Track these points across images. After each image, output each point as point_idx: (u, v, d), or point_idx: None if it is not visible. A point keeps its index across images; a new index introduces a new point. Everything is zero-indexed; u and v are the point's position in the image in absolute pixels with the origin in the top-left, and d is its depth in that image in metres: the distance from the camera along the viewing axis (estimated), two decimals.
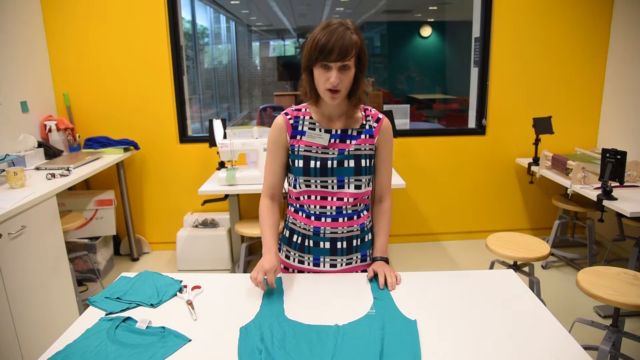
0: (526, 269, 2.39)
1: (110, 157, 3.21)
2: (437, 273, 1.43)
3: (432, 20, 6.87)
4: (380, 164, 1.46)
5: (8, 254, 2.00)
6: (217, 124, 3.09)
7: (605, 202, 2.49)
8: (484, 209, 3.85)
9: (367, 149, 1.41)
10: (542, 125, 3.34)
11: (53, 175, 2.60)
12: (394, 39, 6.92)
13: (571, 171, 2.84)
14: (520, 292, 1.31)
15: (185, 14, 4.10)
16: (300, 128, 1.41)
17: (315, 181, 1.39)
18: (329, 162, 1.38)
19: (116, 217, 3.41)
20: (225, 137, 3.02)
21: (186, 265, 3.43)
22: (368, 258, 1.51)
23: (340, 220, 1.42)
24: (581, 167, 2.78)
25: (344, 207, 1.42)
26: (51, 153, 3.16)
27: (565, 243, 3.66)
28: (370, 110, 1.45)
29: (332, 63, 1.26)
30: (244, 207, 3.62)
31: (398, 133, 3.49)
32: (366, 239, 1.49)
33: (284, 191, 1.52)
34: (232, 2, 6.16)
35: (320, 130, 1.40)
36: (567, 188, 2.84)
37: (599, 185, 2.59)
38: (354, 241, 1.46)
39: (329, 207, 1.41)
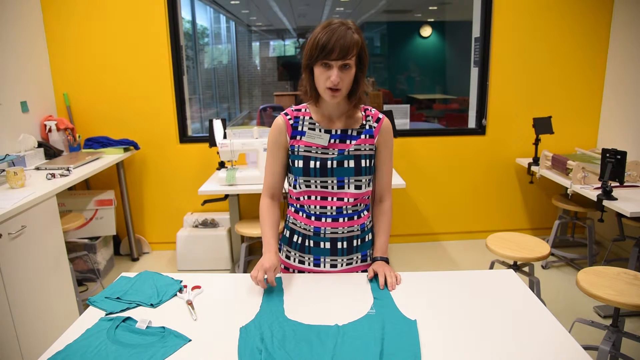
0: (526, 269, 2.39)
1: (110, 157, 3.21)
2: (437, 273, 1.43)
3: (432, 20, 6.87)
4: (381, 164, 1.46)
5: (8, 254, 2.00)
6: (217, 124, 3.09)
7: (605, 202, 2.49)
8: (484, 209, 3.85)
9: (367, 149, 1.41)
10: (542, 125, 3.34)
11: (53, 175, 2.60)
12: (394, 39, 6.91)
13: (571, 171, 2.84)
14: (520, 292, 1.31)
15: (185, 14, 4.10)
16: (300, 128, 1.41)
17: (315, 181, 1.39)
18: (329, 163, 1.38)
19: (116, 217, 3.41)
20: (225, 137, 3.02)
21: (186, 265, 3.43)
22: (368, 258, 1.50)
23: (341, 220, 1.42)
24: (581, 167, 2.78)
25: (344, 207, 1.41)
26: (51, 153, 3.16)
27: (565, 243, 3.66)
28: (371, 110, 1.45)
29: (333, 61, 1.26)
30: (244, 207, 3.62)
31: (398, 133, 3.49)
32: (366, 239, 1.49)
33: (284, 191, 1.52)
34: (232, 2, 6.16)
35: (320, 131, 1.40)
36: (567, 188, 2.84)
37: (599, 185, 2.59)
38: (355, 241, 1.46)
39: (329, 207, 1.41)
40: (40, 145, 3.12)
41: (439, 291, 1.31)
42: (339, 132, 1.40)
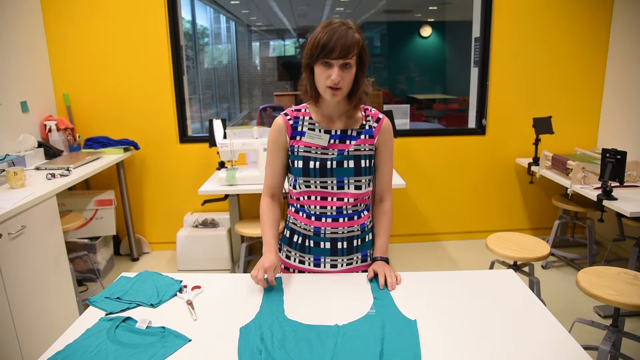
0: (526, 269, 2.39)
1: (110, 157, 3.21)
2: (437, 273, 1.43)
3: (432, 20, 6.87)
4: (381, 164, 1.46)
5: (8, 254, 2.00)
6: (217, 124, 3.09)
7: (605, 202, 2.49)
8: (484, 209, 3.85)
9: (367, 149, 1.41)
10: (542, 125, 3.34)
11: (53, 175, 2.60)
12: (394, 39, 6.91)
13: (571, 171, 2.84)
14: (520, 292, 1.31)
15: (185, 14, 4.10)
16: (299, 129, 1.41)
17: (315, 182, 1.39)
18: (328, 163, 1.37)
19: (116, 217, 3.41)
20: (225, 137, 3.02)
21: (186, 265, 3.43)
22: (369, 258, 1.50)
23: (341, 220, 1.42)
24: (581, 167, 2.78)
25: (344, 207, 1.41)
26: (51, 153, 3.16)
27: (565, 243, 3.66)
28: (371, 110, 1.45)
29: (333, 60, 1.26)
30: (244, 207, 3.62)
31: (398, 133, 3.49)
32: (367, 239, 1.49)
33: (284, 191, 1.52)
34: (232, 2, 6.16)
35: (319, 131, 1.40)
36: (567, 188, 2.84)
37: (599, 185, 2.59)
38: (355, 241, 1.46)
39: (329, 208, 1.41)
40: (40, 145, 3.12)
41: (439, 291, 1.31)
42: (338, 133, 1.40)
